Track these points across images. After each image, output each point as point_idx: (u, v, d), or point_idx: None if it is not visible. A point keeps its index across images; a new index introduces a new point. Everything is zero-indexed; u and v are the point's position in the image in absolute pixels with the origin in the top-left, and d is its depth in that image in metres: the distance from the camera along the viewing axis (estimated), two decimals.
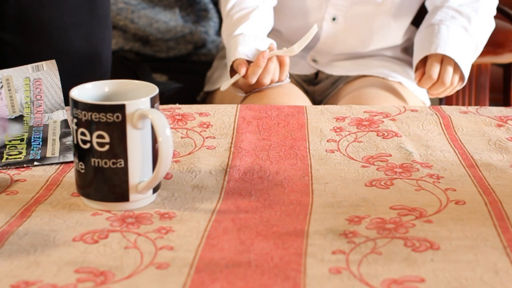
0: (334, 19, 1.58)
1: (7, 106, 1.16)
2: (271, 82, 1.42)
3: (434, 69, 1.45)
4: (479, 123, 1.18)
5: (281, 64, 1.42)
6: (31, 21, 1.37)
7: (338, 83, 1.63)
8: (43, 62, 1.19)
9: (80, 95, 0.88)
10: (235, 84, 1.46)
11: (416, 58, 1.50)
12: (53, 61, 1.19)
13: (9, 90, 1.17)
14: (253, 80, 1.39)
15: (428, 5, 1.59)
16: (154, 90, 0.89)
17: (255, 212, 0.88)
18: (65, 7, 1.39)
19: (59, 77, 1.19)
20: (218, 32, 1.92)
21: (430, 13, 1.56)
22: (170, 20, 1.91)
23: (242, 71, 1.39)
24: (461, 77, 1.48)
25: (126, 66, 1.83)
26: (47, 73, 1.18)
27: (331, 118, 1.19)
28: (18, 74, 1.18)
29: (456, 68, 1.46)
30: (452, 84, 1.47)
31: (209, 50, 1.90)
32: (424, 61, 1.49)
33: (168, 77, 1.84)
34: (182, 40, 1.89)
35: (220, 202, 0.91)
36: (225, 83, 1.42)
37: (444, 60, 1.46)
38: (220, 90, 1.48)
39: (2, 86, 1.16)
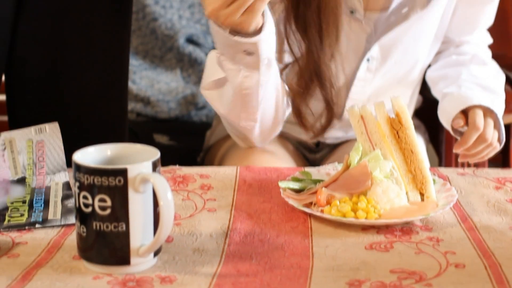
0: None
1: (9, 168, 1.17)
2: None
3: (479, 119, 1.34)
4: (478, 185, 1.19)
5: None
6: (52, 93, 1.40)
7: (339, 146, 1.63)
8: (46, 125, 1.20)
9: (82, 159, 0.89)
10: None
11: (455, 110, 1.39)
12: (56, 124, 1.20)
13: (12, 152, 1.18)
14: None
15: (435, 79, 1.57)
16: (155, 154, 0.90)
17: (256, 275, 0.89)
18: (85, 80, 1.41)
19: (61, 139, 1.20)
20: None
21: (449, 85, 1.49)
22: (171, 81, 1.93)
23: None
24: (498, 138, 1.39)
25: (127, 127, 1.84)
26: (49, 135, 1.19)
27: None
28: (21, 136, 1.19)
29: (496, 126, 1.38)
30: (492, 144, 1.37)
31: (210, 111, 1.92)
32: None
33: (169, 137, 1.86)
34: (183, 101, 1.91)
35: (221, 265, 0.91)
36: None
37: (485, 114, 1.37)
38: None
39: (5, 148, 1.17)
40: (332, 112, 1.44)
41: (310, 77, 1.40)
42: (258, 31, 1.21)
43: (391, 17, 1.46)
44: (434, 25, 1.50)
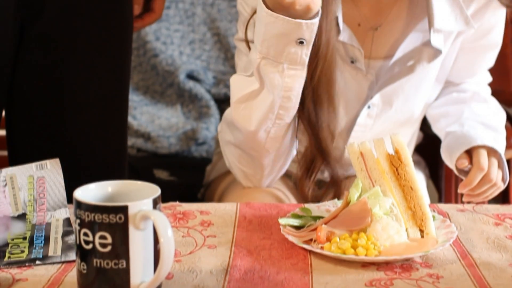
0: None
1: (10, 204, 1.18)
2: None
3: (484, 159, 1.35)
4: (477, 221, 1.19)
5: None
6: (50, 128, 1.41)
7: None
8: (47, 161, 1.20)
9: (83, 196, 0.90)
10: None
11: (458, 150, 1.40)
12: (57, 160, 1.21)
13: (13, 188, 1.18)
14: None
15: (435, 117, 1.57)
16: (156, 191, 0.91)
17: None
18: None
19: (62, 175, 1.20)
20: None
21: (452, 124, 1.50)
22: (171, 116, 1.95)
23: None
24: (502, 178, 1.40)
25: (128, 162, 1.85)
26: (50, 171, 1.20)
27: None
28: (22, 173, 1.19)
29: (499, 165, 1.39)
30: (496, 183, 1.38)
31: (210, 146, 1.93)
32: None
33: (169, 173, 1.86)
34: (184, 137, 1.92)
35: None
36: None
37: (489, 153, 1.38)
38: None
39: (6, 184, 1.18)
40: (337, 187, 1.46)
41: (313, 157, 1.42)
42: (314, 15, 1.24)
43: (395, 68, 1.46)
44: (435, 73, 1.50)
